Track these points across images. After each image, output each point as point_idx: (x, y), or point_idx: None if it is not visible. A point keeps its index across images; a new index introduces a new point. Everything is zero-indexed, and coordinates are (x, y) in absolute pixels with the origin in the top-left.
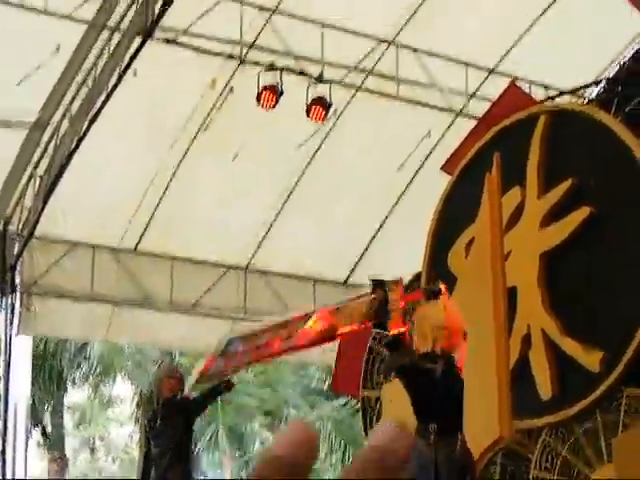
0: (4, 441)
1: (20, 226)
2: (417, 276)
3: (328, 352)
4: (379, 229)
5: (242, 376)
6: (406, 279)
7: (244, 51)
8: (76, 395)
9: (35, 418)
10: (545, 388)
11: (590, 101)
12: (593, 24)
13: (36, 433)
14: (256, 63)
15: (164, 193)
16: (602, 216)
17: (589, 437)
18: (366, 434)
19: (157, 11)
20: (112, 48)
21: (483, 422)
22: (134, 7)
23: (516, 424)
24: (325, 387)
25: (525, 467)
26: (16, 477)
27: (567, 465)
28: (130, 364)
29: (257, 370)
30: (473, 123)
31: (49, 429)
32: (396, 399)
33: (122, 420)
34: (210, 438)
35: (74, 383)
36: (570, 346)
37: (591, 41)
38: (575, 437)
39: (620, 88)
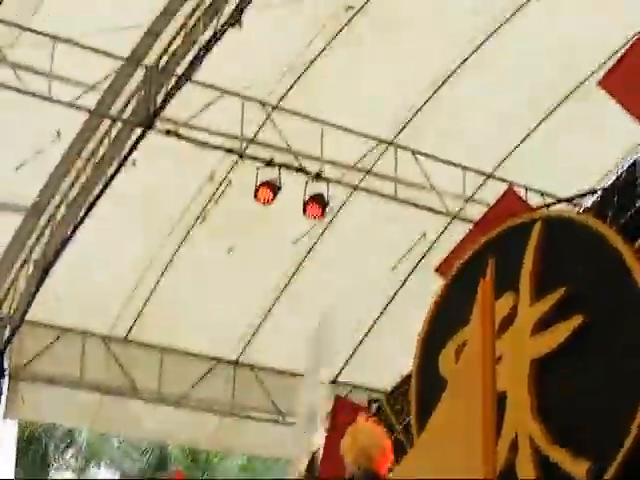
0: None
1: (11, 310)
2: (407, 377)
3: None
4: (371, 328)
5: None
6: (396, 381)
7: (244, 145)
8: None
9: None
10: None
11: (586, 210)
12: (592, 133)
13: None
14: (255, 158)
15: (157, 283)
16: (595, 325)
17: None
18: None
19: (159, 102)
20: (112, 137)
21: None
22: (136, 97)
23: None
24: None
25: None
26: None
27: None
28: (116, 452)
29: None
30: (469, 227)
31: None
32: None
33: None
34: None
35: (59, 468)
36: (557, 454)
37: (589, 150)
38: None
39: (616, 198)
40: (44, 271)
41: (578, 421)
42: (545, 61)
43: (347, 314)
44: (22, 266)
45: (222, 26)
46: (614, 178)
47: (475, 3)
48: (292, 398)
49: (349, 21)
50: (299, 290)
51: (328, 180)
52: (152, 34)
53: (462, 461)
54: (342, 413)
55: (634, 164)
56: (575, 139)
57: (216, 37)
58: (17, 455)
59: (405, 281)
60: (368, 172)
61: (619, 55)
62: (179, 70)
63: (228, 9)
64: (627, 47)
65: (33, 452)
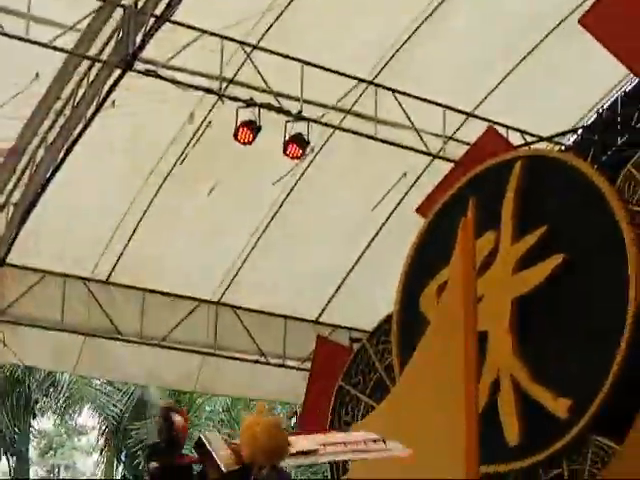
0: None
1: None
2: (388, 317)
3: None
4: (352, 268)
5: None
6: (378, 320)
7: (223, 86)
8: (43, 423)
9: (2, 444)
10: (512, 434)
11: (567, 148)
12: (572, 72)
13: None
14: (235, 99)
15: (138, 225)
16: (575, 263)
17: None
18: (331, 473)
19: (138, 43)
20: (91, 78)
21: (447, 466)
22: (115, 38)
23: (482, 469)
24: (292, 424)
25: None
26: None
27: None
28: (98, 394)
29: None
30: (450, 166)
31: (13, 460)
32: None
33: (88, 450)
34: None
35: (41, 411)
36: (538, 393)
37: (569, 89)
38: None
39: (597, 136)
40: (24, 214)
41: (558, 360)
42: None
43: (328, 255)
44: (2, 209)
45: None
46: (595, 116)
47: None
48: (273, 338)
49: None
50: (279, 231)
51: (308, 120)
52: None
53: (445, 396)
54: (323, 353)
55: (615, 102)
56: (556, 79)
57: None
58: (1, 397)
59: (386, 221)
60: (348, 112)
61: None
62: (157, 10)
63: None
64: None
65: (17, 394)
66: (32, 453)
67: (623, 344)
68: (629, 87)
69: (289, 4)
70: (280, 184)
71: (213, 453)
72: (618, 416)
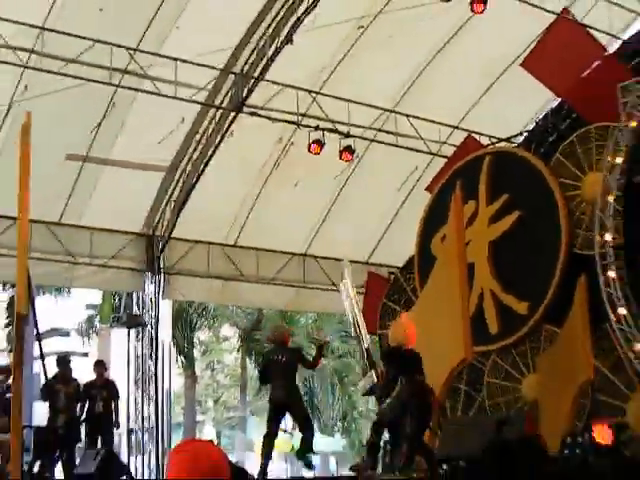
0: (156, 364)
1: (162, 231)
2: (411, 258)
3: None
4: (387, 227)
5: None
6: (404, 260)
7: (300, 119)
8: (201, 334)
9: (177, 349)
10: (493, 327)
11: (518, 145)
12: (520, 95)
13: (177, 360)
14: (307, 126)
15: (251, 209)
16: (526, 217)
17: (521, 357)
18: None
19: (244, 95)
20: (217, 119)
21: (453, 349)
22: (230, 93)
23: (475, 349)
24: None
25: (480, 375)
26: (165, 386)
27: (507, 374)
28: (233, 314)
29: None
30: (444, 161)
31: (184, 359)
32: None
33: (230, 350)
34: None
35: (200, 328)
36: (508, 299)
37: (519, 106)
38: (512, 356)
39: (536, 138)
40: (181, 205)
41: (519, 278)
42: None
43: (371, 221)
44: (167, 204)
45: (280, 44)
46: (534, 124)
47: None
48: (339, 274)
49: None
50: (341, 208)
51: (354, 137)
52: (241, 48)
53: (449, 304)
54: (372, 282)
55: (546, 116)
56: (511, 99)
57: (277, 52)
58: (173, 321)
59: (407, 197)
60: (379, 130)
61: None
62: (256, 73)
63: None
64: (545, 32)
65: (183, 319)
66: (196, 354)
67: (559, 265)
68: (555, 104)
69: (338, 65)
70: (339, 178)
71: None
72: (560, 311)
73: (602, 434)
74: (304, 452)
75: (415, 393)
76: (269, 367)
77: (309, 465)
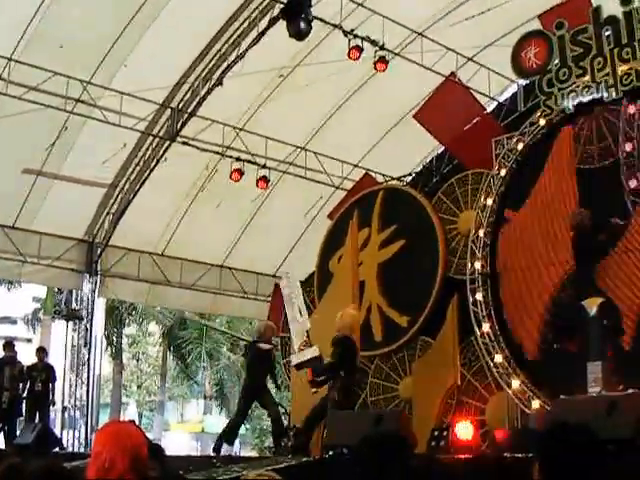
0: (89, 353)
1: (101, 239)
2: (312, 273)
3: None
4: (293, 246)
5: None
6: (305, 275)
7: (224, 150)
8: (129, 330)
9: (108, 340)
10: (378, 335)
11: (407, 183)
12: (412, 142)
13: (108, 350)
14: (230, 157)
15: (178, 225)
16: (410, 245)
17: (400, 361)
18: (282, 358)
19: (178, 127)
20: (154, 146)
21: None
22: (166, 124)
23: (362, 353)
24: None
25: (365, 376)
26: (95, 372)
27: (387, 376)
28: (158, 314)
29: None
30: (344, 193)
31: (114, 349)
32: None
33: (153, 343)
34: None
35: (129, 324)
36: (392, 313)
37: (409, 150)
38: (392, 361)
39: (422, 178)
40: (117, 219)
41: (402, 296)
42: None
43: (280, 240)
44: (106, 216)
45: (212, 85)
46: (421, 167)
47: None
48: (251, 284)
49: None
50: (255, 228)
51: (269, 168)
52: (178, 86)
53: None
54: (278, 293)
55: (432, 160)
56: (403, 144)
57: (209, 92)
58: (105, 316)
59: (311, 222)
60: (291, 164)
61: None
62: (189, 109)
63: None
64: (435, 91)
65: (115, 315)
66: (124, 345)
67: (436, 286)
68: (440, 151)
69: (259, 106)
70: (255, 202)
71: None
72: (434, 326)
73: (463, 431)
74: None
75: (345, 388)
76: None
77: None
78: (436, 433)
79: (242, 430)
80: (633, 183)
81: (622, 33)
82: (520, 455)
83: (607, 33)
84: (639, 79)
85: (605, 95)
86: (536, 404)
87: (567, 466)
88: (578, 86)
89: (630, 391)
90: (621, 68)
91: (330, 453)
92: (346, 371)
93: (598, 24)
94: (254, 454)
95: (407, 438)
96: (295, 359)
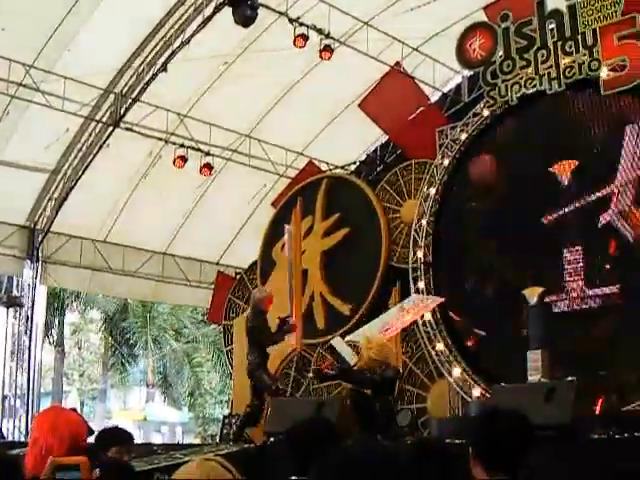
0: (30, 340)
1: (43, 225)
2: (255, 261)
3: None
4: (237, 233)
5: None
6: (249, 263)
7: (168, 136)
8: (71, 317)
9: (49, 328)
10: (321, 323)
11: (351, 172)
12: (357, 133)
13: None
14: (174, 143)
15: (120, 212)
16: (353, 233)
17: None
18: (225, 346)
19: (122, 112)
20: (97, 130)
21: (286, 340)
22: (110, 109)
23: (305, 341)
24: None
25: (308, 364)
26: (37, 360)
27: (331, 364)
28: (101, 300)
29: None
30: (289, 181)
31: (55, 337)
32: (240, 330)
33: (95, 330)
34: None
35: (71, 311)
36: (334, 301)
37: (353, 139)
38: None
39: (366, 167)
40: (60, 205)
41: (344, 283)
42: (341, 84)
43: (224, 226)
44: (48, 201)
45: (156, 71)
46: (366, 156)
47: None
48: (194, 272)
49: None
50: (198, 215)
51: (213, 155)
52: (122, 72)
53: (285, 303)
54: (221, 280)
55: (375, 149)
56: (347, 133)
57: (153, 78)
58: (47, 304)
59: (255, 210)
60: (235, 151)
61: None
62: (133, 95)
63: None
64: (380, 80)
65: (56, 302)
66: (66, 333)
67: (379, 275)
68: (384, 140)
69: (204, 93)
70: (198, 190)
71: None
72: (377, 313)
73: (404, 418)
74: None
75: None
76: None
77: None
78: None
79: (185, 418)
80: None
81: (566, 26)
82: (459, 441)
83: (551, 26)
84: (582, 72)
85: (548, 87)
86: (477, 392)
87: (498, 451)
88: (522, 78)
89: (568, 379)
90: (564, 61)
91: (271, 440)
92: (382, 399)
93: (542, 17)
94: (197, 442)
95: (333, 424)
96: (337, 342)
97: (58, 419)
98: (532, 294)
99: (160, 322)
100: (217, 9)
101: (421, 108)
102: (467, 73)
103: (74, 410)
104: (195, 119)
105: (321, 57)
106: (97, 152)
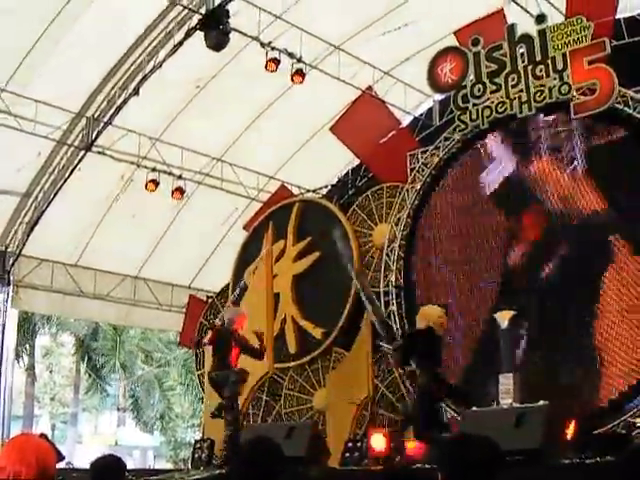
0: (0, 363)
1: (14, 249)
2: (227, 285)
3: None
4: (209, 257)
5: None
6: (221, 286)
7: (140, 160)
8: (43, 340)
9: (20, 351)
10: (292, 347)
11: (323, 196)
12: (325, 157)
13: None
14: (146, 167)
15: (92, 236)
16: (325, 257)
17: (314, 373)
18: (197, 369)
19: (94, 136)
20: (69, 155)
21: (258, 363)
22: (82, 133)
23: (276, 365)
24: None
25: (279, 388)
26: (7, 383)
27: (302, 387)
28: (73, 324)
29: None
30: (260, 205)
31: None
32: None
33: (67, 354)
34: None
35: (42, 334)
36: (306, 325)
37: (323, 163)
38: (307, 373)
39: (338, 191)
40: (31, 228)
41: (316, 308)
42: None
43: (197, 249)
44: (20, 224)
45: (128, 95)
46: (337, 180)
47: None
48: (166, 296)
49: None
50: (170, 239)
51: (185, 179)
52: (94, 95)
53: (257, 324)
54: (193, 304)
55: (347, 173)
56: (319, 157)
57: (125, 102)
58: (18, 327)
59: (227, 234)
60: (207, 175)
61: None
62: (105, 119)
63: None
64: (351, 104)
65: (28, 326)
66: (37, 356)
67: (350, 299)
68: (355, 164)
69: (176, 117)
70: (170, 214)
71: None
72: (348, 338)
73: (377, 442)
74: None
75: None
76: None
77: None
78: (350, 445)
79: (156, 443)
80: None
81: (536, 50)
82: (429, 466)
83: (521, 50)
84: (552, 96)
85: (519, 111)
86: (447, 416)
87: (466, 478)
88: (492, 102)
89: (540, 403)
90: (534, 85)
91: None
92: (435, 361)
93: (513, 41)
94: (169, 466)
95: (276, 444)
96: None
97: (26, 446)
98: (503, 318)
99: (131, 346)
100: (188, 34)
101: (392, 132)
102: (438, 97)
103: (44, 436)
104: (167, 143)
105: (293, 81)
106: (69, 176)
